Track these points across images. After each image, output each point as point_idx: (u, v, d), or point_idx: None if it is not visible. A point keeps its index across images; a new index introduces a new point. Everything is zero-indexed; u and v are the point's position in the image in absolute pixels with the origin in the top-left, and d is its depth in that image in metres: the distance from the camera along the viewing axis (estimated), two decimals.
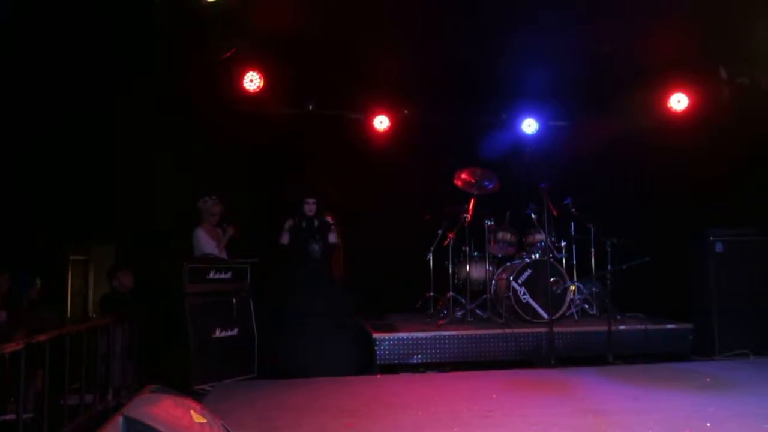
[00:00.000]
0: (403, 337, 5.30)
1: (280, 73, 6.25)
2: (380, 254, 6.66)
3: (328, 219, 5.83)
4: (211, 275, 5.20)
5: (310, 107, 6.88)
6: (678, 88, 6.56)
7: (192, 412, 2.44)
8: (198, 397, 4.18)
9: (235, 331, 5.23)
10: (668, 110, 6.66)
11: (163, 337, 4.91)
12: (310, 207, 5.75)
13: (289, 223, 5.78)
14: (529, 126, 7.21)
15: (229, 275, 5.31)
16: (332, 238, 5.81)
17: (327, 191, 5.83)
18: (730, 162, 6.06)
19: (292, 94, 6.62)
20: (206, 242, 5.51)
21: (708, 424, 3.35)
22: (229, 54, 5.72)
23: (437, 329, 5.45)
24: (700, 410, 3.66)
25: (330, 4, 5.35)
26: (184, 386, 4.36)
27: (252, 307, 5.49)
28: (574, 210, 6.36)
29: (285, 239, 5.75)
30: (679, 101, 6.58)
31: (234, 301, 5.28)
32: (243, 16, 5.42)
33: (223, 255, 5.61)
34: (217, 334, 5.09)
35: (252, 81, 6.15)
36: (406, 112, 7.13)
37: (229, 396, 4.40)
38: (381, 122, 7.06)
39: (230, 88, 6.14)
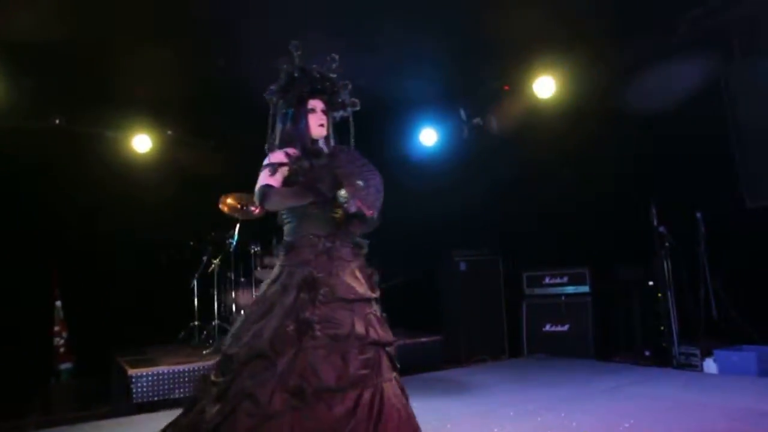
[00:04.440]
0: (163, 372, 4.95)
1: (22, 83, 5.52)
2: (140, 284, 6.20)
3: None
4: None
5: (57, 122, 6.19)
6: (427, 124, 7.35)
7: None
8: None
9: None
10: (419, 143, 7.42)
11: None
12: (319, 118, 2.77)
13: (273, 159, 2.63)
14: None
15: None
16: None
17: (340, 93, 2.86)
18: (471, 192, 6.92)
19: (36, 106, 5.89)
20: None
21: (448, 425, 3.73)
22: None
23: (201, 360, 5.22)
24: (444, 412, 4.05)
25: (81, 16, 4.89)
26: None
27: None
28: None
29: (275, 180, 2.58)
30: (428, 137, 7.37)
31: None
32: None
33: None
34: None
35: None
36: (169, 132, 6.82)
37: None
38: (142, 142, 6.65)
39: None
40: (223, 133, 6.81)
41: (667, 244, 5.37)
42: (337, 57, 2.83)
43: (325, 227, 2.63)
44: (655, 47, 5.44)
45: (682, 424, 3.53)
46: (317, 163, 2.62)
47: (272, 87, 2.83)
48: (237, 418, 2.31)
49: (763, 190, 4.90)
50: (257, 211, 6.21)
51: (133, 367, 4.96)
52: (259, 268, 6.21)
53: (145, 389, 4.84)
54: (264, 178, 2.60)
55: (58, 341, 5.87)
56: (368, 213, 2.57)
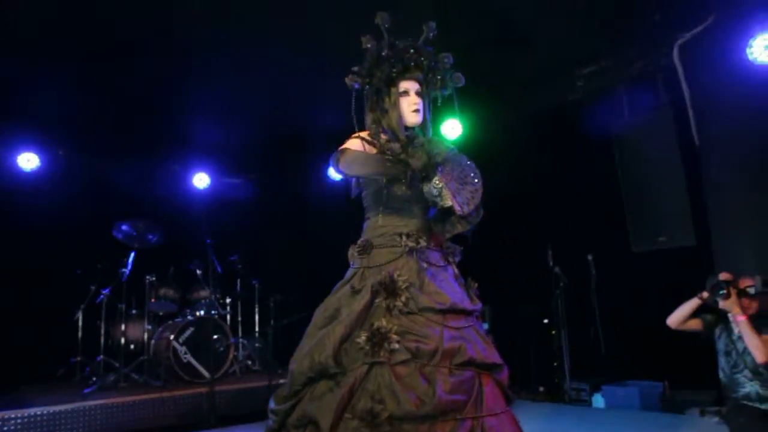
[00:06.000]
0: (36, 414, 4.48)
1: None
2: (15, 314, 5.64)
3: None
4: None
5: None
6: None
7: None
8: None
9: None
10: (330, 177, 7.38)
11: None
12: (413, 102, 2.30)
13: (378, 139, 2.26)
14: (201, 180, 7.13)
15: None
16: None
17: (439, 69, 2.37)
18: None
19: None
20: None
21: None
22: None
23: (82, 400, 4.79)
24: None
25: None
26: None
27: None
28: (240, 266, 6.45)
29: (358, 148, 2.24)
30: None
31: None
32: None
33: None
34: None
35: None
36: (60, 152, 6.36)
37: None
38: (28, 161, 6.15)
39: None
40: (120, 154, 6.43)
41: (561, 284, 5.64)
42: (434, 25, 2.30)
43: (412, 224, 2.21)
44: (557, 99, 5.81)
45: None
46: (411, 145, 2.16)
47: (354, 69, 2.31)
48: None
49: (645, 236, 5.32)
50: (155, 239, 5.90)
51: (1, 408, 4.48)
52: (153, 300, 5.86)
53: None
54: (346, 144, 2.21)
55: None
56: (458, 209, 2.08)
